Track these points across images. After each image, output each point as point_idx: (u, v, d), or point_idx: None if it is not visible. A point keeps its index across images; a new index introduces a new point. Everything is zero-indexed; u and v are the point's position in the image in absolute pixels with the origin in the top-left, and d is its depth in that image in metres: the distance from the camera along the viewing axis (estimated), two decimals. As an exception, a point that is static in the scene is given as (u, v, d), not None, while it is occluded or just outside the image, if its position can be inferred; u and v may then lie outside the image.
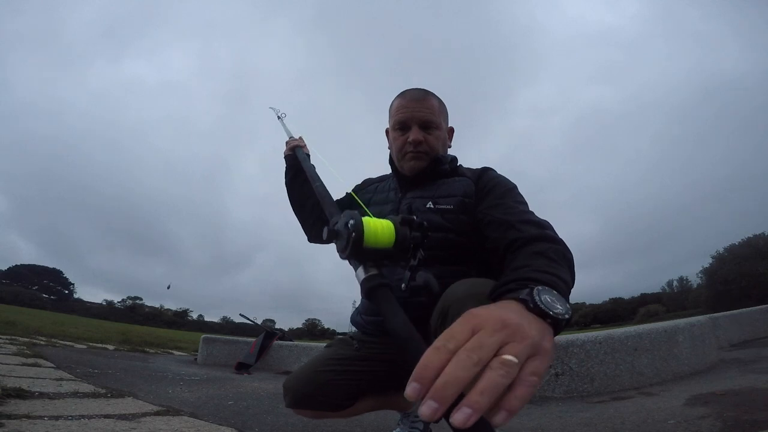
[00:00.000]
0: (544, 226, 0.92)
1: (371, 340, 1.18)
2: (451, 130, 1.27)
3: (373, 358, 1.15)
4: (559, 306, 0.60)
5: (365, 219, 0.69)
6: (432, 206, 1.11)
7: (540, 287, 0.61)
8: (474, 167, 1.21)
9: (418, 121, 1.16)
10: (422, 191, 1.16)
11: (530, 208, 1.06)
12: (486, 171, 1.17)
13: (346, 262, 0.74)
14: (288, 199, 1.39)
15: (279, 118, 1.59)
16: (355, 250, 0.68)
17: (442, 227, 1.08)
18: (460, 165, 1.23)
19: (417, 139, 1.14)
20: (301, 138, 1.45)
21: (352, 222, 0.68)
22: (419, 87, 1.22)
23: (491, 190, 1.09)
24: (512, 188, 1.10)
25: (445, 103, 1.24)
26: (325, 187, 1.07)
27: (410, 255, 0.72)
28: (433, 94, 1.21)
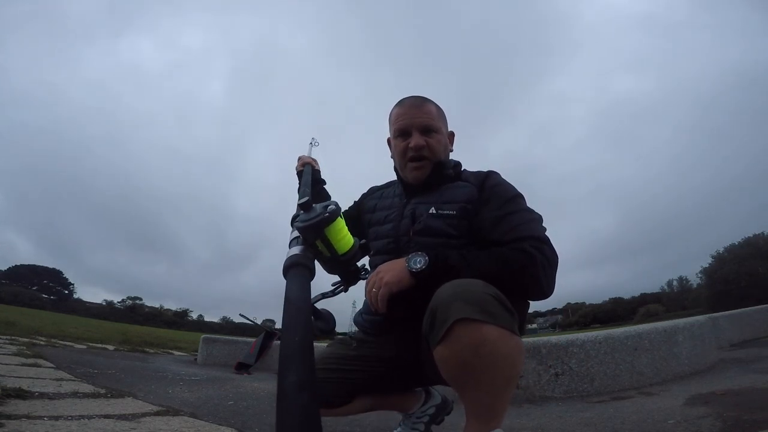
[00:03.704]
0: (530, 239, 0.99)
1: (370, 339, 1.18)
2: (452, 135, 1.28)
3: (371, 357, 1.15)
4: (416, 264, 0.97)
5: (341, 219, 0.74)
6: (435, 212, 1.13)
7: (417, 253, 0.98)
8: (480, 170, 1.22)
9: (419, 127, 1.17)
10: (426, 197, 1.18)
11: (534, 211, 1.09)
12: (489, 176, 1.17)
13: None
14: None
15: (311, 144, 1.63)
16: (314, 229, 0.70)
17: (443, 233, 1.10)
18: (465, 170, 1.24)
19: (418, 144, 1.16)
20: (308, 156, 1.49)
21: (332, 207, 0.72)
22: (416, 95, 1.24)
23: (492, 198, 1.11)
24: (514, 197, 1.11)
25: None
26: (309, 176, 1.12)
27: (343, 279, 0.78)
28: (431, 101, 1.23)
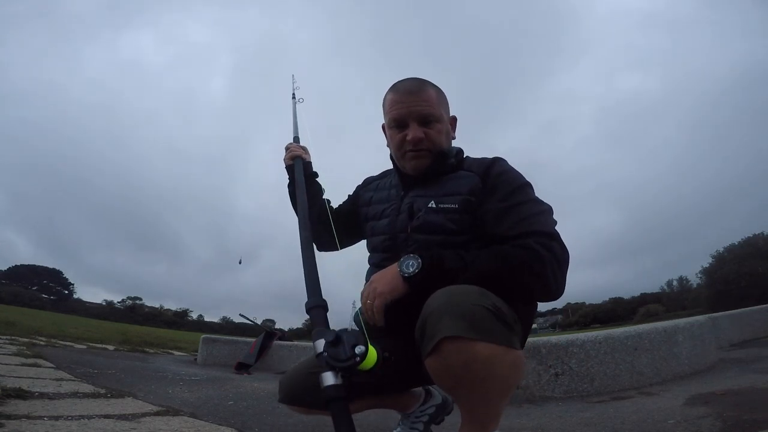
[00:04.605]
0: (537, 234, 0.91)
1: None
2: (454, 120, 1.17)
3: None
4: (409, 268, 0.90)
5: (370, 350, 0.77)
6: (434, 206, 1.04)
7: (410, 256, 0.91)
8: (485, 156, 1.12)
9: (416, 117, 1.06)
10: (425, 189, 1.08)
11: (543, 202, 1.00)
12: (494, 164, 1.06)
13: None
14: (293, 208, 1.32)
15: (294, 98, 1.49)
16: (348, 371, 0.76)
17: (443, 229, 1.02)
18: (468, 156, 1.14)
19: (417, 137, 1.05)
20: (298, 145, 1.41)
21: (361, 349, 0.76)
22: (413, 77, 1.12)
23: (498, 188, 1.01)
24: (521, 186, 1.01)
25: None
26: (313, 259, 1.00)
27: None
28: (430, 83, 1.10)
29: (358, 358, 0.75)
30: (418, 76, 1.12)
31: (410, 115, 1.06)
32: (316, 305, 0.89)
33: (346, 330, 0.79)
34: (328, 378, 0.76)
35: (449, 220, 1.02)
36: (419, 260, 0.90)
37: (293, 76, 1.51)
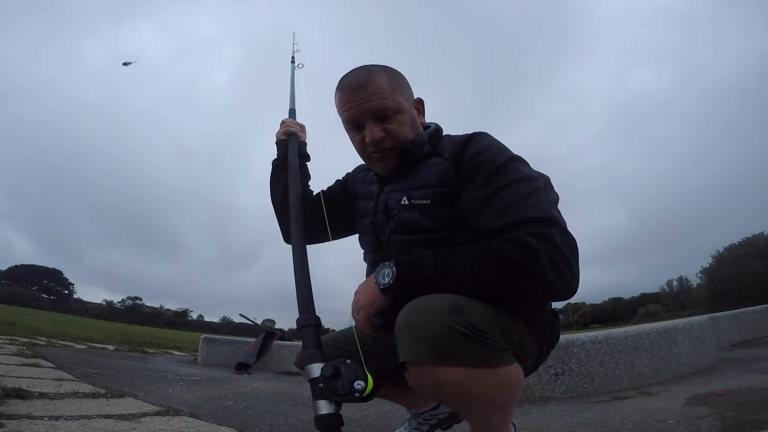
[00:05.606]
0: (528, 223, 0.77)
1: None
2: (420, 103, 1.04)
3: (386, 346, 1.08)
4: (384, 279, 0.82)
5: (369, 382, 0.74)
6: (407, 202, 0.93)
7: (387, 264, 0.83)
8: (466, 133, 0.96)
9: (370, 114, 0.93)
10: (398, 184, 0.98)
11: (533, 179, 0.86)
12: (469, 143, 0.91)
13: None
14: (270, 191, 1.23)
15: (293, 62, 1.36)
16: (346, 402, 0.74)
17: (421, 227, 0.91)
18: (446, 136, 1.01)
19: (375, 138, 0.93)
20: (295, 121, 1.31)
21: (361, 385, 0.73)
22: (361, 66, 0.97)
23: (476, 172, 0.86)
24: (503, 165, 0.86)
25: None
26: (306, 267, 0.94)
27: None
28: (380, 69, 0.96)
29: (357, 394, 0.72)
30: (367, 64, 0.98)
31: (362, 114, 0.93)
32: (308, 324, 0.85)
33: (343, 361, 0.76)
34: (323, 407, 0.73)
35: (424, 216, 0.90)
36: (393, 269, 0.81)
37: (294, 34, 1.34)
